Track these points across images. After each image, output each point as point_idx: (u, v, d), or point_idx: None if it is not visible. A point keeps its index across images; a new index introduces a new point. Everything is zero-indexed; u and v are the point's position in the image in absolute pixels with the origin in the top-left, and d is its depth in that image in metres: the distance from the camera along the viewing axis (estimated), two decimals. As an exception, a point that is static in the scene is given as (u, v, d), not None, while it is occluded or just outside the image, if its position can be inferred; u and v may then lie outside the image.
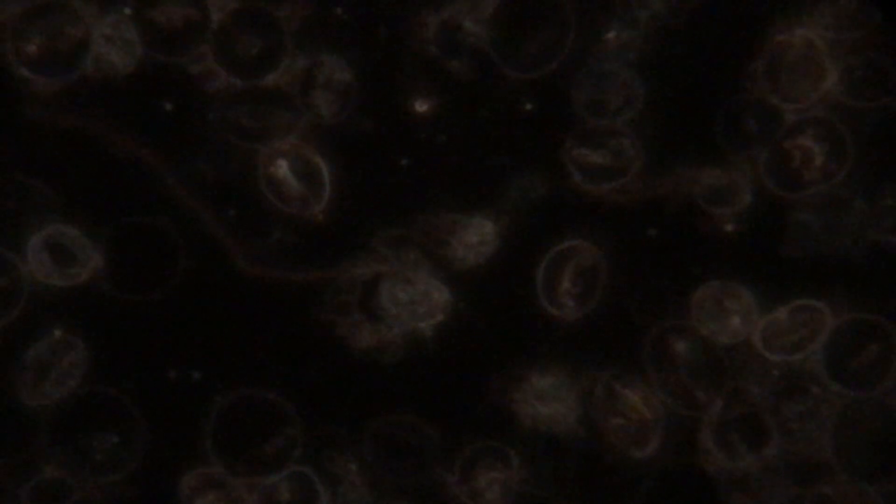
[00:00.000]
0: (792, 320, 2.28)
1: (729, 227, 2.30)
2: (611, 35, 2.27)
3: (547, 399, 2.29)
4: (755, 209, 2.30)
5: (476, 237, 2.30)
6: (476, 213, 2.30)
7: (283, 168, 2.28)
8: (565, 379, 2.30)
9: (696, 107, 2.30)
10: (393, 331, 2.29)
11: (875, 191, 2.28)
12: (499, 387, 2.30)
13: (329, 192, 2.29)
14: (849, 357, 2.27)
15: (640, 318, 2.30)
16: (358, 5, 2.27)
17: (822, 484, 2.28)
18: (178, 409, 2.27)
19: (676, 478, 2.30)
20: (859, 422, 2.28)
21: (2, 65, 2.24)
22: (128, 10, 2.23)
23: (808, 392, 2.28)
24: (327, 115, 2.28)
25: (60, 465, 2.24)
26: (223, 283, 2.29)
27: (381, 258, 2.30)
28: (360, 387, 2.30)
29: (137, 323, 2.27)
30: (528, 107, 2.30)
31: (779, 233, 2.30)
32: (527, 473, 2.29)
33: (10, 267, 2.23)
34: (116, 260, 2.26)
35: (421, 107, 2.30)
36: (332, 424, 2.29)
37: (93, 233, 2.25)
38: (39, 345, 2.24)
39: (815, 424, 2.28)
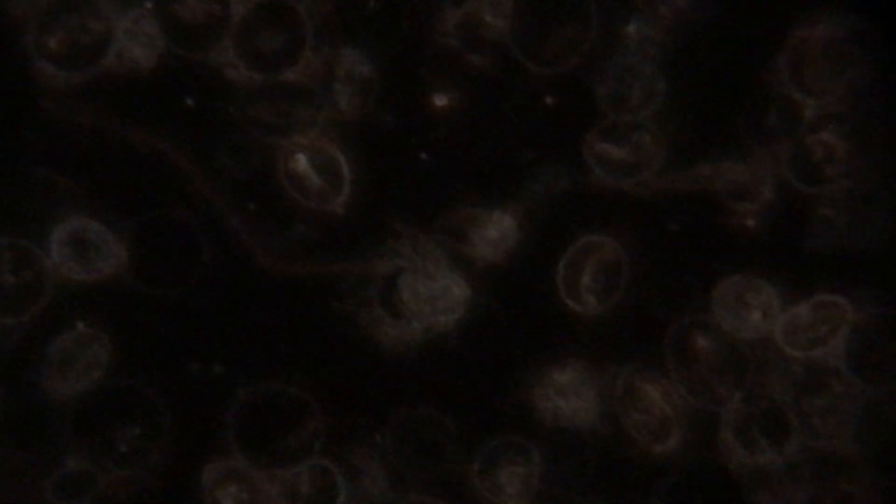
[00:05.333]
0: (813, 316, 2.27)
1: (750, 222, 2.29)
2: (632, 29, 2.26)
3: (568, 394, 2.29)
4: (777, 204, 2.29)
5: (496, 232, 2.30)
6: (496, 208, 2.29)
7: (302, 162, 2.28)
8: (586, 374, 2.30)
9: (718, 101, 2.29)
10: (413, 325, 2.30)
11: (899, 186, 2.27)
12: (519, 382, 2.30)
13: (349, 186, 2.29)
14: (870, 352, 2.26)
15: (662, 314, 2.30)
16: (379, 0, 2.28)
17: (843, 481, 2.27)
18: (201, 402, 2.29)
19: (697, 473, 2.29)
20: (881, 417, 2.27)
21: (25, 59, 2.24)
22: (149, 5, 2.24)
23: (829, 388, 2.28)
24: (347, 110, 2.28)
25: (84, 456, 2.26)
26: (244, 276, 2.29)
27: (401, 253, 2.30)
28: (381, 381, 2.30)
29: (160, 316, 2.28)
30: (549, 101, 2.29)
31: (801, 228, 2.29)
32: (547, 468, 2.29)
33: (33, 261, 2.24)
34: (139, 254, 2.27)
35: (441, 101, 2.30)
36: (353, 418, 2.30)
37: (116, 227, 2.26)
38: (63, 338, 2.26)
39: (837, 420, 2.27)
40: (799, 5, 2.26)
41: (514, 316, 2.31)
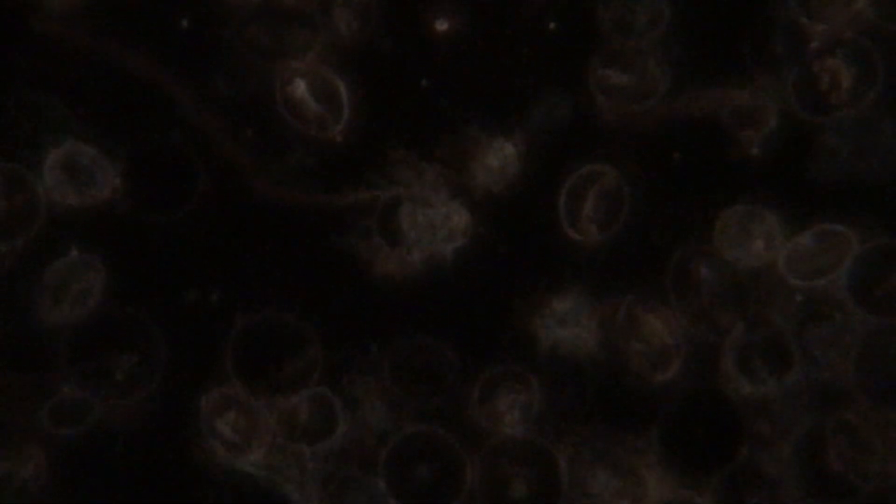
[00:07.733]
0: (817, 245, 2.25)
1: (755, 151, 2.26)
2: (637, -47, 2.23)
3: (568, 323, 2.28)
4: (782, 132, 2.26)
5: (497, 160, 2.27)
6: (498, 136, 2.26)
7: (300, 88, 2.24)
8: (587, 303, 2.28)
9: (723, 27, 2.25)
10: (413, 254, 2.27)
11: (905, 114, 2.25)
12: (520, 311, 2.28)
13: (348, 113, 2.25)
14: (874, 283, 2.25)
15: (663, 243, 2.28)
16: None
17: (844, 410, 2.27)
18: (198, 330, 2.27)
19: (697, 403, 2.29)
20: (883, 348, 2.26)
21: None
22: (143, -74, 2.20)
23: (831, 318, 2.26)
24: (346, 35, 2.24)
25: (80, 384, 2.24)
26: (241, 203, 2.26)
27: (401, 181, 2.27)
28: (380, 310, 2.28)
29: (156, 243, 2.26)
30: (553, 26, 2.26)
31: (805, 156, 2.27)
32: (547, 397, 2.28)
33: (27, 186, 2.21)
34: (134, 179, 2.24)
35: (442, 26, 2.26)
36: (351, 347, 2.28)
37: (110, 152, 2.23)
38: (57, 264, 2.23)
39: (838, 350, 2.26)
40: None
41: (515, 244, 2.29)
